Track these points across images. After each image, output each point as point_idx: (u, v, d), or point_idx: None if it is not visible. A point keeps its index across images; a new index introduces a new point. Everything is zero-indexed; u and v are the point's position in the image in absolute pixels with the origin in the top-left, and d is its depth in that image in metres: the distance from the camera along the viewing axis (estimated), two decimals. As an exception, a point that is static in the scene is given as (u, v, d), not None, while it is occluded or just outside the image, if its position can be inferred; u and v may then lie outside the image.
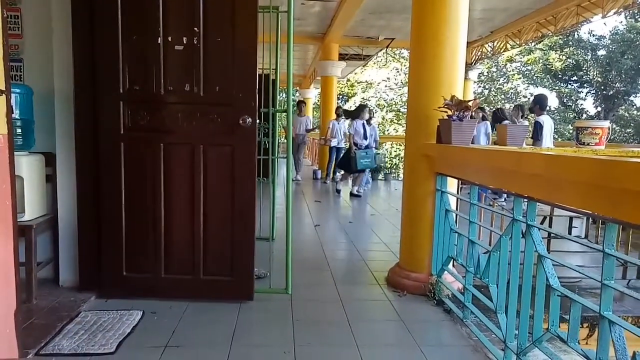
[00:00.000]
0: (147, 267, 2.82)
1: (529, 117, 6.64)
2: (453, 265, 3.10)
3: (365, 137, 7.82)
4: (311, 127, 10.19)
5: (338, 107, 10.72)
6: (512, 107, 8.28)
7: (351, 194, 7.94)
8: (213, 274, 2.83)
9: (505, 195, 6.25)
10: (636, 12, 18.84)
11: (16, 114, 2.68)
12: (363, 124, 7.81)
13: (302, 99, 12.21)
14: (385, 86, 24.29)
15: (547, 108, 6.49)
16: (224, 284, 2.83)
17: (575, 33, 20.73)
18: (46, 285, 2.96)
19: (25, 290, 2.66)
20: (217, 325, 2.55)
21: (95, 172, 2.79)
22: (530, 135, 6.02)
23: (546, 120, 6.13)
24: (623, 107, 21.50)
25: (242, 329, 2.53)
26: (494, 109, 8.20)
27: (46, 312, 2.61)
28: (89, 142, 2.78)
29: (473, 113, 7.44)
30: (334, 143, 9.70)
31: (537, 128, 5.98)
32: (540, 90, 22.51)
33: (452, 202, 3.08)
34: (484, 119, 7.91)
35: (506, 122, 7.16)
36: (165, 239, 2.81)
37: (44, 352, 2.19)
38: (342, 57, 11.73)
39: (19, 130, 2.72)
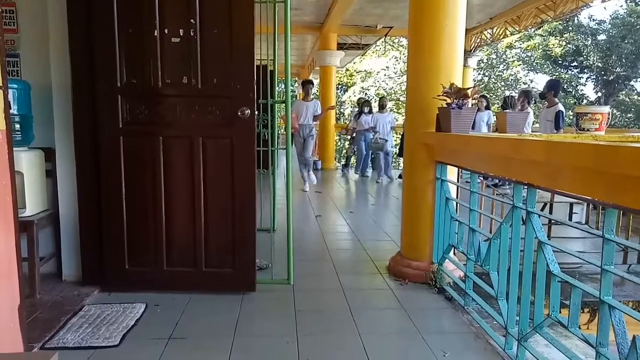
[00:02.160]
0: (149, 261, 2.84)
1: (537, 103, 6.49)
2: (454, 253, 3.11)
3: None
4: (320, 113, 7.37)
5: (360, 99, 10.35)
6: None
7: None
8: (215, 265, 2.85)
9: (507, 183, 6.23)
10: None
11: (14, 110, 2.68)
12: None
13: (309, 79, 8.76)
14: (385, 75, 24.17)
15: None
16: (226, 275, 2.85)
17: (575, 18, 20.57)
18: (49, 280, 2.97)
19: (29, 285, 2.68)
20: (219, 317, 2.57)
21: (95, 166, 2.79)
22: (554, 126, 5.93)
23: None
24: (623, 92, 21.39)
25: (244, 320, 2.54)
26: (504, 97, 8.11)
27: (50, 306, 2.63)
28: (88, 136, 2.78)
29: (477, 101, 7.42)
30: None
31: (561, 117, 5.90)
32: (541, 77, 22.44)
33: (452, 190, 3.08)
34: (487, 107, 7.86)
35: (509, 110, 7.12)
36: (166, 232, 2.82)
37: (49, 345, 2.21)
38: (341, 46, 11.65)
39: (17, 126, 2.71)
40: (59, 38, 2.78)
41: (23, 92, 2.79)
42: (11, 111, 2.35)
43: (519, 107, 6.98)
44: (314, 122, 7.29)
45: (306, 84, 7.41)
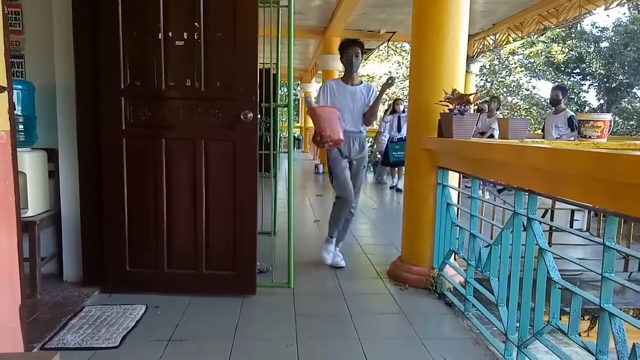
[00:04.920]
0: (150, 262, 2.84)
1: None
2: (454, 259, 3.11)
3: (400, 130, 7.84)
4: (376, 102, 3.52)
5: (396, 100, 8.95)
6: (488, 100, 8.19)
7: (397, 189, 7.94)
8: (215, 268, 2.85)
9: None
10: (639, 3, 18.68)
11: (18, 110, 2.69)
12: (399, 116, 7.94)
13: (354, 38, 3.74)
14: (387, 80, 24.18)
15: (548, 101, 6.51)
16: (227, 278, 2.85)
17: (578, 25, 20.60)
18: (50, 280, 2.98)
19: (30, 286, 2.68)
20: (220, 319, 2.57)
21: (97, 167, 2.80)
22: (572, 130, 5.95)
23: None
24: (626, 100, 21.38)
25: (244, 323, 2.54)
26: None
27: (51, 306, 2.64)
28: (91, 138, 2.79)
29: (492, 105, 7.47)
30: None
31: (574, 121, 5.93)
32: (543, 83, 22.46)
33: (454, 195, 3.08)
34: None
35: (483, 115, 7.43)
36: (167, 234, 2.82)
37: (49, 346, 2.21)
38: (344, 50, 11.66)
39: (21, 127, 2.73)
40: (64, 40, 2.80)
41: (27, 93, 2.81)
42: (15, 112, 2.36)
43: (495, 112, 7.37)
44: (364, 128, 3.58)
45: (350, 47, 3.49)
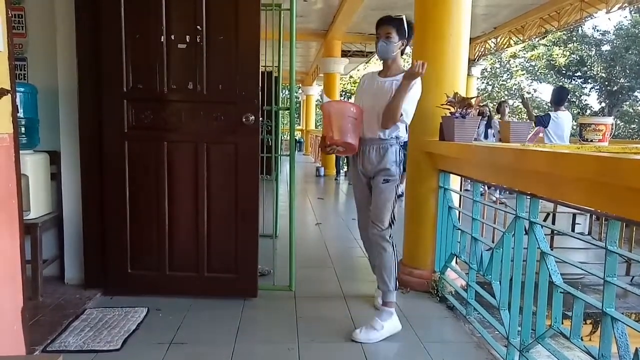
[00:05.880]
0: (151, 265, 2.84)
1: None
2: (456, 262, 3.11)
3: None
4: (393, 96, 2.50)
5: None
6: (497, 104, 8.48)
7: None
8: (217, 271, 2.85)
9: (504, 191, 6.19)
10: (641, 7, 18.68)
11: (21, 113, 2.70)
12: None
13: (390, 16, 2.82)
14: (388, 83, 24.20)
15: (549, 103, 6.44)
16: (228, 281, 2.85)
17: (579, 28, 20.62)
18: (52, 283, 2.98)
19: (32, 288, 2.68)
20: (221, 322, 2.57)
21: (99, 170, 2.81)
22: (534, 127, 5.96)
23: (559, 116, 5.97)
24: (627, 103, 21.38)
25: (246, 326, 2.54)
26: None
27: (52, 309, 2.64)
28: (93, 140, 2.80)
29: (506, 113, 7.44)
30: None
31: (542, 119, 5.89)
32: (544, 87, 22.47)
33: (455, 199, 3.08)
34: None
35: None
36: (169, 237, 2.82)
37: (51, 348, 2.21)
38: (345, 53, 11.71)
39: (23, 129, 2.73)
40: (67, 42, 2.81)
41: (30, 96, 2.81)
42: (18, 114, 2.36)
43: (507, 115, 7.59)
44: (396, 134, 2.65)
45: (379, 27, 2.78)
